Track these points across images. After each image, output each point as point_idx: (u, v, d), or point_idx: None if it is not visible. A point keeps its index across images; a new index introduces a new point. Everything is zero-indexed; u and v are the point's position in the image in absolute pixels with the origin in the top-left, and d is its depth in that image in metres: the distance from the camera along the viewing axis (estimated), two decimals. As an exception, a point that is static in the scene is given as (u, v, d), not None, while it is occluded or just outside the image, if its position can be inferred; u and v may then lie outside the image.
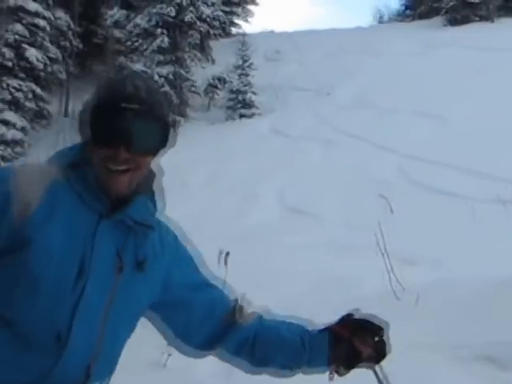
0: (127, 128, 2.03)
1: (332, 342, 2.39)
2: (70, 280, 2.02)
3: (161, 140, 2.13)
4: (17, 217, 1.99)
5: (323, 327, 2.45)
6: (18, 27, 28.12)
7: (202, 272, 2.45)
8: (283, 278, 9.94)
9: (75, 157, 2.15)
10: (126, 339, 2.26)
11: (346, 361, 2.38)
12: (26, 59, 28.10)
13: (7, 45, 27.73)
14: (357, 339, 2.36)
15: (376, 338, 2.37)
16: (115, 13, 32.07)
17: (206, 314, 2.39)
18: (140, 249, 2.18)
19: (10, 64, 27.63)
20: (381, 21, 49.84)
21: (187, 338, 2.43)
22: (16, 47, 27.98)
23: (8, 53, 27.58)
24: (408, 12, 47.74)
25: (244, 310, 2.44)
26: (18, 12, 28.30)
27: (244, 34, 34.37)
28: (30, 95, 28.20)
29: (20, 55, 28.05)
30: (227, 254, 7.89)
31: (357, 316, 2.42)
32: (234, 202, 16.99)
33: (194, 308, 2.38)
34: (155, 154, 2.16)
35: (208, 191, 18.01)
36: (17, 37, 27.98)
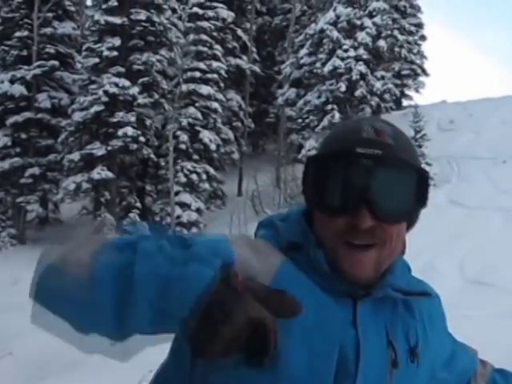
0: (368, 182, 1.48)
1: None
2: None
3: (417, 197, 1.55)
4: None
5: None
6: (191, 110, 29.10)
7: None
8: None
9: (294, 233, 1.62)
10: None
11: None
12: (200, 141, 28.95)
13: (182, 128, 28.72)
14: None
15: None
16: (286, 91, 32.72)
17: None
18: (410, 329, 1.64)
19: (184, 147, 28.55)
20: (558, 85, 48.22)
21: None
22: (190, 130, 28.91)
23: (182, 136, 28.54)
24: None
25: (478, 364, 1.95)
26: (190, 96, 29.33)
27: (416, 106, 34.16)
28: (205, 176, 28.91)
29: (194, 138, 28.93)
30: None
31: None
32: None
33: None
34: (408, 218, 1.61)
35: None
36: (190, 120, 28.94)
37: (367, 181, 1.48)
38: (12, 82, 30.35)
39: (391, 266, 1.60)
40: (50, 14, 31.45)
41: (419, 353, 1.62)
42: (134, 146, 27.40)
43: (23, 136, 30.06)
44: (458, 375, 1.84)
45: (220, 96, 30.42)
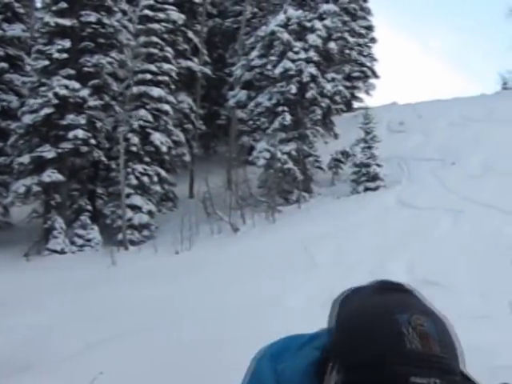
0: None
1: None
2: None
3: None
4: None
5: None
6: (142, 113, 29.04)
7: None
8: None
9: None
10: None
11: None
12: (151, 143, 28.90)
13: (133, 130, 28.64)
14: None
15: None
16: (237, 93, 32.77)
17: None
18: None
19: (135, 149, 28.47)
20: (505, 87, 48.84)
21: None
22: (141, 132, 28.84)
23: (133, 138, 28.46)
24: (533, 77, 46.81)
25: None
26: (141, 98, 29.27)
27: (366, 108, 34.49)
28: (156, 179, 28.88)
29: (145, 140, 28.88)
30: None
31: None
32: (362, 276, 16.68)
33: None
34: None
35: (336, 265, 17.81)
36: (141, 122, 28.88)
37: None
38: (-40, 84, 30.00)
39: None
40: (-1, 16, 31.09)
41: None
42: (85, 149, 27.24)
43: (-28, 139, 29.68)
44: None
45: (171, 98, 30.36)
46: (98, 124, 28.15)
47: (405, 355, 1.31)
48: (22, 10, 32.60)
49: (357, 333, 1.41)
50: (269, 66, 30.66)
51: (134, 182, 28.00)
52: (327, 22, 32.37)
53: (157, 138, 28.91)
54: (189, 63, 35.07)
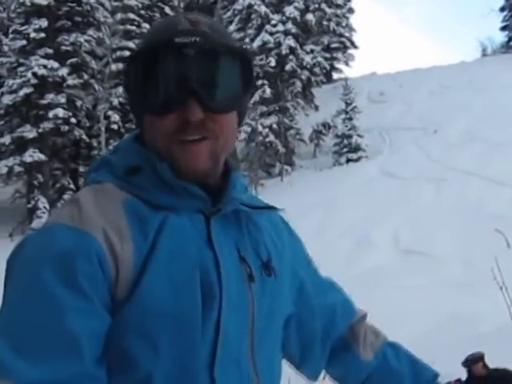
0: (192, 72, 1.38)
1: None
2: (196, 318, 1.37)
3: (243, 80, 1.46)
4: (113, 273, 1.32)
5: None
6: (122, 90, 28.89)
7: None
8: (402, 319, 9.74)
9: (129, 158, 1.49)
10: (280, 373, 1.61)
11: None
12: (131, 121, 28.78)
13: (113, 108, 28.56)
14: None
15: None
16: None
17: (326, 325, 1.75)
18: (259, 244, 1.54)
19: (116, 127, 28.42)
20: (484, 54, 48.94)
21: (304, 366, 1.77)
22: (121, 110, 28.76)
23: (114, 116, 28.39)
24: (512, 43, 46.88)
25: (369, 332, 1.84)
26: (120, 75, 29.15)
27: (346, 79, 34.44)
28: (138, 155, 28.68)
29: (125, 117, 28.79)
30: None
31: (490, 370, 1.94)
32: (346, 247, 16.86)
33: (317, 320, 1.74)
34: (238, 105, 1.48)
35: (320, 237, 17.88)
36: (121, 99, 28.78)
37: (190, 71, 1.37)
38: None
39: (232, 181, 1.51)
40: (-27, -3, 30.86)
41: (274, 267, 1.54)
42: (66, 128, 27.16)
43: (-48, 121, 29.51)
44: (324, 307, 1.76)
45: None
46: (78, 102, 28.05)
47: (175, 30, 1.40)
48: (-3, -9, 32.37)
49: (144, 35, 1.55)
50: (247, 40, 30.64)
51: (116, 159, 27.90)
52: (304, -7, 32.32)
53: (137, 114, 28.82)
54: (167, 38, 34.85)
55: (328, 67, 37.84)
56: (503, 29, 45.68)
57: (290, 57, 29.64)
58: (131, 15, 30.20)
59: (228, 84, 1.43)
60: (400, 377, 1.80)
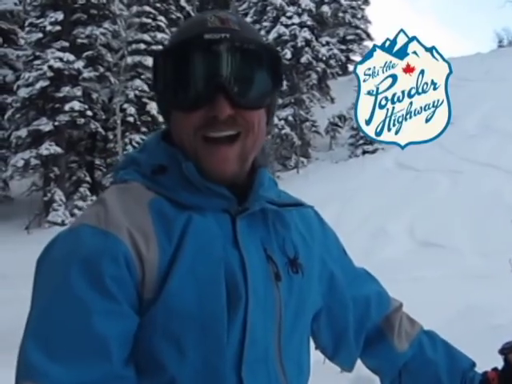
0: (221, 68, 1.39)
1: None
2: (221, 319, 1.38)
3: (272, 77, 1.48)
4: (139, 274, 1.34)
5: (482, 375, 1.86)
6: (138, 83, 28.92)
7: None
8: (418, 311, 9.72)
9: (157, 156, 1.51)
10: (309, 370, 1.62)
11: None
12: (148, 113, 28.81)
13: (129, 101, 28.57)
14: None
15: None
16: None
17: (360, 317, 1.77)
18: (286, 241, 1.54)
19: (132, 120, 28.41)
20: (501, 45, 48.67)
21: (338, 357, 1.79)
22: (137, 102, 28.77)
23: (130, 109, 28.40)
24: (529, 34, 46.68)
25: (404, 322, 1.85)
26: (136, 68, 29.15)
27: (362, 71, 34.34)
28: (154, 149, 28.72)
29: (141, 110, 28.80)
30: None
31: None
32: (363, 240, 16.82)
33: (349, 311, 1.75)
34: (266, 102, 1.50)
35: (336, 229, 17.79)
36: (137, 92, 28.78)
37: (220, 67, 1.39)
38: (-45, 59, 29.93)
39: (259, 178, 1.52)
40: (-11, -10, 30.93)
41: (302, 263, 1.55)
42: (82, 121, 27.19)
43: (-32, 114, 29.65)
44: (359, 298, 1.79)
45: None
46: (94, 95, 28.10)
47: (205, 28, 1.43)
48: (12, -16, 32.43)
49: (174, 33, 1.57)
50: (262, 32, 30.54)
51: (132, 152, 27.96)
52: (320, -15, 32.26)
53: (153, 107, 28.76)
54: (182, 31, 34.87)
55: (344, 59, 37.79)
56: (519, 20, 45.38)
57: (306, 49, 29.63)
58: (147, 8, 30.16)
59: (257, 81, 1.46)
60: (436, 366, 1.80)
